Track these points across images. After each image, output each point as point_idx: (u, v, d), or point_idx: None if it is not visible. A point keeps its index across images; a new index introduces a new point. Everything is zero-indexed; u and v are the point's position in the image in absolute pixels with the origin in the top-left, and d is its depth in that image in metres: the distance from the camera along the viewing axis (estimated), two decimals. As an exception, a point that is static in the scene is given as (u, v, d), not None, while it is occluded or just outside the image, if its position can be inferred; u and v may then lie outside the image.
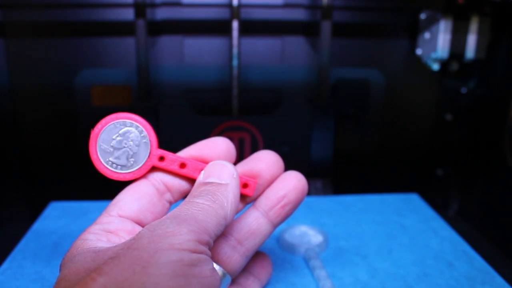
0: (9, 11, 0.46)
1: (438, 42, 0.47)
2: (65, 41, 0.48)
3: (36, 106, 0.49)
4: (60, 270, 0.21)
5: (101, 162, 0.25)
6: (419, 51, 0.51)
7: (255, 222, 0.27)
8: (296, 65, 0.51)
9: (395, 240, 0.38)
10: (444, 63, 0.51)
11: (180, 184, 0.26)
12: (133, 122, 0.25)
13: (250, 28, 0.49)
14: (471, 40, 0.46)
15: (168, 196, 0.26)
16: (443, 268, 0.34)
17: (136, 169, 0.25)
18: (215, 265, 0.26)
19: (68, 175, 0.51)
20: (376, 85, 0.53)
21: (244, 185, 0.27)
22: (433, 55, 0.48)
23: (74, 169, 0.50)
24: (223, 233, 0.26)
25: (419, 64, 0.52)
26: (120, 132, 0.25)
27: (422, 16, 0.50)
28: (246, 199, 0.28)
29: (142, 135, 0.25)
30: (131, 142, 0.25)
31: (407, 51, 0.52)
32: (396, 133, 0.55)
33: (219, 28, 0.49)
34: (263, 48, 0.51)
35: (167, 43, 0.49)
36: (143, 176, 0.26)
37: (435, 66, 0.51)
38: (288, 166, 0.29)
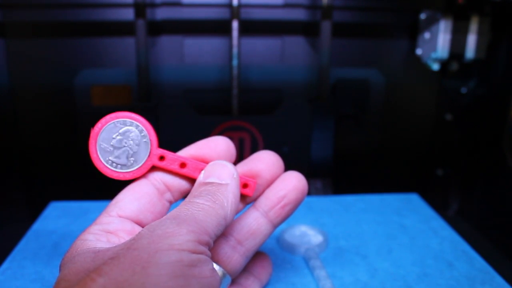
0: (9, 11, 0.46)
1: (438, 42, 0.47)
2: (65, 41, 0.48)
3: (36, 106, 0.49)
4: (59, 270, 0.21)
5: (101, 161, 0.25)
6: (419, 51, 0.51)
7: (255, 222, 0.27)
8: (296, 65, 0.51)
9: (395, 240, 0.38)
10: (444, 63, 0.51)
11: (180, 184, 0.26)
12: (133, 121, 0.25)
13: (250, 28, 0.49)
14: (471, 40, 0.46)
15: (168, 195, 0.26)
16: (443, 268, 0.34)
17: (136, 169, 0.25)
18: (215, 265, 0.26)
19: (68, 175, 0.51)
20: (376, 85, 0.53)
21: (244, 186, 0.27)
22: (433, 55, 0.48)
23: (74, 169, 0.50)
24: (223, 233, 0.26)
25: (419, 64, 0.52)
26: (120, 131, 0.25)
27: (422, 16, 0.50)
28: (246, 199, 0.28)
29: (142, 134, 0.25)
30: (131, 141, 0.25)
31: (407, 51, 0.52)
32: (396, 133, 0.55)
33: (219, 28, 0.49)
34: (263, 48, 0.51)
35: (167, 43, 0.49)
36: (143, 175, 0.26)
37: (435, 66, 0.51)
38: (288, 166, 0.29)
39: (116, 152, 0.25)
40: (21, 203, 0.50)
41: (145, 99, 0.47)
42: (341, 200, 0.46)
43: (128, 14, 0.48)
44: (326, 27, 0.47)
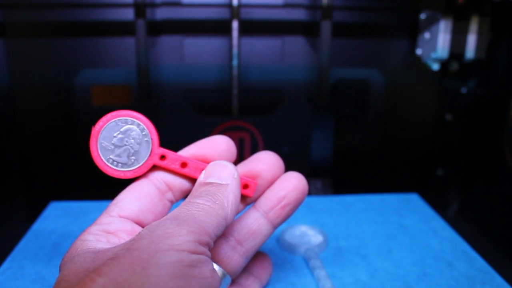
0: (9, 11, 0.46)
1: (438, 42, 0.47)
2: (65, 41, 0.48)
3: (36, 106, 0.49)
4: (59, 270, 0.21)
5: (101, 159, 0.25)
6: (419, 51, 0.51)
7: (255, 223, 0.27)
8: (296, 65, 0.51)
9: (395, 240, 0.38)
10: (444, 63, 0.51)
11: (181, 184, 0.26)
12: (135, 120, 0.25)
13: (250, 28, 0.49)
14: (471, 40, 0.46)
15: (169, 195, 0.26)
16: (443, 268, 0.34)
17: (137, 167, 0.25)
18: (215, 265, 0.26)
19: (68, 175, 0.51)
20: (376, 85, 0.53)
21: (245, 186, 0.27)
22: (433, 55, 0.48)
23: (74, 169, 0.50)
24: (223, 233, 0.26)
25: (419, 64, 0.52)
26: (122, 129, 0.25)
27: (422, 16, 0.50)
28: (247, 200, 0.28)
29: (143, 133, 0.25)
30: (132, 140, 0.25)
31: (407, 51, 0.52)
32: (396, 133, 0.55)
33: (219, 28, 0.49)
34: (263, 48, 0.51)
35: (167, 43, 0.49)
36: (144, 174, 0.26)
37: (435, 66, 0.51)
38: (288, 166, 0.29)
39: (117, 151, 0.25)
40: (21, 203, 0.50)
41: (145, 99, 0.47)
42: (341, 200, 0.46)
43: (128, 14, 0.48)
44: (326, 27, 0.47)
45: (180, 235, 0.20)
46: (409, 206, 0.44)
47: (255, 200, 0.28)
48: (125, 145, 0.25)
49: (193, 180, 0.26)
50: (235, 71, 0.48)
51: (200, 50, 0.50)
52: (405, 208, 0.44)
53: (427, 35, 0.49)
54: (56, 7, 0.47)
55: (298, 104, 0.49)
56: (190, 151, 0.27)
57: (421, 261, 0.35)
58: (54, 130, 0.50)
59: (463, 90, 0.50)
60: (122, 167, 0.25)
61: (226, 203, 0.23)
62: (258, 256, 0.30)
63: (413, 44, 0.52)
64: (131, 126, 0.25)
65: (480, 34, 0.46)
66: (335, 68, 0.51)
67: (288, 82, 0.51)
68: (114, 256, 0.19)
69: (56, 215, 0.41)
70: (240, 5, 0.47)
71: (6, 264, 0.33)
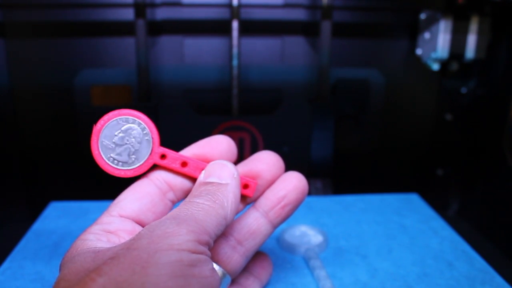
0: (9, 11, 0.46)
1: (438, 42, 0.47)
2: (65, 41, 0.48)
3: (36, 106, 0.49)
4: (59, 270, 0.21)
5: (102, 158, 0.25)
6: (419, 51, 0.51)
7: (255, 223, 0.27)
8: (296, 65, 0.51)
9: (395, 240, 0.38)
10: (444, 63, 0.51)
11: (182, 183, 0.26)
12: (136, 119, 0.25)
13: (250, 28, 0.49)
14: (471, 40, 0.46)
15: (170, 195, 0.26)
16: (443, 268, 0.34)
17: (138, 166, 0.25)
18: (215, 265, 0.26)
19: (68, 175, 0.51)
20: (376, 85, 0.53)
21: (245, 186, 0.27)
22: (433, 55, 0.48)
23: (74, 169, 0.50)
24: (223, 233, 0.26)
25: (419, 64, 0.52)
26: (123, 128, 0.25)
27: (422, 16, 0.50)
28: (246, 199, 0.28)
29: (144, 132, 0.25)
30: (133, 139, 0.25)
31: (407, 51, 0.52)
32: (396, 133, 0.55)
33: (219, 28, 0.49)
34: (263, 48, 0.51)
35: (167, 43, 0.49)
36: (145, 173, 0.26)
37: (435, 66, 0.51)
38: (288, 166, 0.29)
39: (118, 150, 0.25)
40: (21, 203, 0.50)
41: (145, 99, 0.47)
42: (341, 200, 0.46)
43: (128, 14, 0.48)
44: (326, 27, 0.47)
45: (180, 234, 0.20)
46: (409, 206, 0.44)
47: (255, 200, 0.28)
48: (126, 143, 0.25)
49: (194, 180, 0.26)
50: (235, 71, 0.48)
51: (200, 50, 0.50)
52: (405, 208, 0.44)
53: (427, 35, 0.49)
54: (56, 7, 0.47)
55: (298, 104, 0.49)
56: (191, 151, 0.27)
57: (421, 261, 0.35)
58: (54, 130, 0.50)
59: (463, 90, 0.50)
60: (122, 165, 0.25)
61: (226, 202, 0.23)
62: (258, 256, 0.30)
63: (413, 44, 0.52)
64: (132, 125, 0.25)
65: (480, 34, 0.46)
66: (335, 68, 0.51)
67: (288, 82, 0.51)
68: (114, 256, 0.19)
69: (56, 215, 0.41)
70: (240, 5, 0.47)
71: (6, 264, 0.33)
